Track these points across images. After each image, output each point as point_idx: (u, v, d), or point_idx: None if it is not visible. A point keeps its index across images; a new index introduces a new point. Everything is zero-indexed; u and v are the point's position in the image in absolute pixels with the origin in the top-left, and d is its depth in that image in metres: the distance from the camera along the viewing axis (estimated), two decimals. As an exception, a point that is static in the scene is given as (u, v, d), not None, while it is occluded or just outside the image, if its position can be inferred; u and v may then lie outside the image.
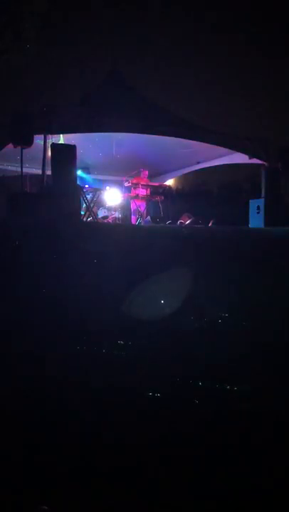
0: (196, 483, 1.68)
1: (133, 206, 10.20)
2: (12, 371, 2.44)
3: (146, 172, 10.17)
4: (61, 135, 8.63)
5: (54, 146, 7.41)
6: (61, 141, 8.60)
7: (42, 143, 7.50)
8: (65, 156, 7.29)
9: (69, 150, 7.43)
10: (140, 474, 1.71)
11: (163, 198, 10.25)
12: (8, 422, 1.98)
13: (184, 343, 2.74)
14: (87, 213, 8.84)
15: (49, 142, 7.44)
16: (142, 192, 10.02)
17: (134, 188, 9.88)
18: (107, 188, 10.01)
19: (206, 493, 1.63)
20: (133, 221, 10.18)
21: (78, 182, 8.37)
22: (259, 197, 8.96)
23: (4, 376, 2.39)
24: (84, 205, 8.63)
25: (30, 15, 8.86)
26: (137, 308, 3.01)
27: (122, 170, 10.68)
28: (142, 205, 10.27)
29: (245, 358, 2.58)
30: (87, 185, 9.53)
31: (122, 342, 2.74)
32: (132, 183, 9.84)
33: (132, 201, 10.13)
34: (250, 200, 9.16)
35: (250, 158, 9.51)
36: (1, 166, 10.62)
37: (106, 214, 10.30)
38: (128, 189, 9.97)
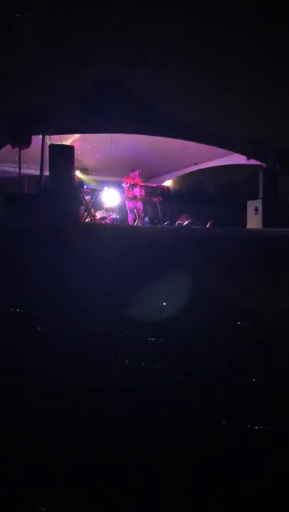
0: (196, 483, 1.68)
1: (131, 207, 10.19)
2: (12, 371, 2.44)
3: (137, 172, 10.15)
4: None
5: (52, 147, 7.42)
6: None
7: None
8: (63, 156, 7.29)
9: (67, 151, 7.44)
10: (140, 474, 1.71)
11: (161, 198, 10.25)
12: (8, 421, 1.98)
13: (184, 343, 2.74)
14: (85, 214, 8.84)
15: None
16: (140, 193, 10.02)
17: (132, 189, 9.88)
18: (105, 189, 10.00)
19: (206, 493, 1.63)
20: (131, 222, 10.17)
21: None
22: (257, 198, 8.98)
23: (4, 376, 2.38)
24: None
25: (30, 15, 8.85)
26: (137, 308, 3.02)
27: (120, 171, 10.68)
28: (140, 206, 10.27)
29: (245, 357, 2.58)
30: (85, 186, 9.52)
31: (121, 342, 2.74)
32: (129, 184, 9.83)
33: (130, 202, 10.12)
34: (248, 201, 9.18)
35: (248, 159, 9.53)
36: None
37: (104, 215, 10.29)
38: (126, 190, 9.97)
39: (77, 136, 9.01)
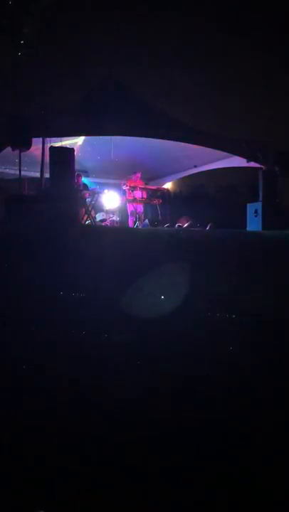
0: (196, 482, 1.69)
1: (131, 209, 10.19)
2: (12, 371, 2.44)
3: (139, 174, 10.15)
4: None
5: (52, 149, 7.42)
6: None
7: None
8: (63, 159, 7.29)
9: (67, 153, 7.44)
10: (140, 474, 1.71)
11: (161, 201, 10.24)
12: (8, 422, 1.98)
13: (184, 343, 2.75)
14: (86, 216, 8.84)
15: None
16: (140, 195, 10.01)
17: (132, 191, 9.87)
18: (106, 191, 10.00)
19: (206, 493, 1.64)
20: (131, 224, 10.17)
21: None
22: (257, 200, 8.99)
23: (4, 376, 2.39)
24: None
25: (29, 16, 8.85)
26: (136, 308, 3.02)
27: (120, 173, 10.69)
28: (140, 209, 10.26)
29: (245, 357, 2.59)
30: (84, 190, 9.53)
31: (121, 342, 2.75)
32: (130, 186, 9.83)
33: (130, 204, 10.12)
34: (247, 204, 9.19)
35: (248, 162, 9.54)
36: (-1, 169, 10.60)
37: (104, 217, 10.29)
38: (126, 192, 9.96)
39: (80, 139, 9.04)
